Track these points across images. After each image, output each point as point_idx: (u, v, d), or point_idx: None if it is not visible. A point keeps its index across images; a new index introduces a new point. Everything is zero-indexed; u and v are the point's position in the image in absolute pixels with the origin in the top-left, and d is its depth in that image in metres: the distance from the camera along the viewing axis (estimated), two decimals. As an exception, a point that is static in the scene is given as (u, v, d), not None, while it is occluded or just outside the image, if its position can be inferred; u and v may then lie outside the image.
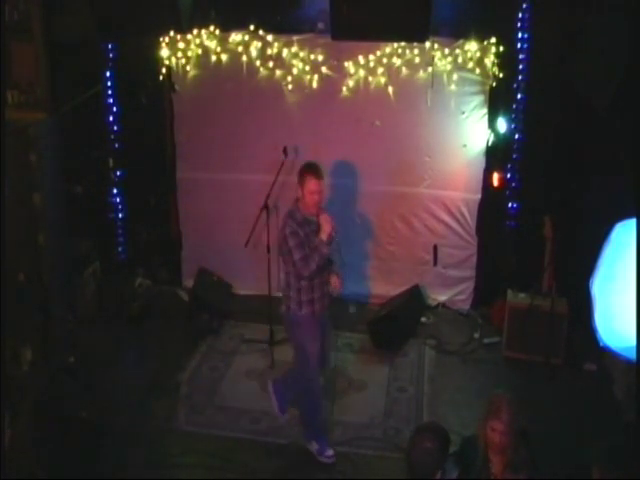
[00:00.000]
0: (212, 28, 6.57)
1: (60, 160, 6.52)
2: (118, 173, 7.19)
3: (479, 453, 3.65)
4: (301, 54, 6.55)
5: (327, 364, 5.38)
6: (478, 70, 6.37)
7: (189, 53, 6.69)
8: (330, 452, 5.12)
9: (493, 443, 3.59)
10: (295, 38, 6.54)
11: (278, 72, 6.63)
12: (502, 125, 6.46)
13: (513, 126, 6.49)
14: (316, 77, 6.59)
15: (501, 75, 6.32)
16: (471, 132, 6.55)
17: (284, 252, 4.88)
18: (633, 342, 3.69)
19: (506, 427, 3.55)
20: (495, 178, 6.58)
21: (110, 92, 6.97)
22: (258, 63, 6.62)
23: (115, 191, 7.24)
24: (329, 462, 5.10)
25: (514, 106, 6.46)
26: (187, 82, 6.83)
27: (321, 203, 4.88)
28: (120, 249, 7.41)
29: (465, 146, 6.60)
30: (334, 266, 5.03)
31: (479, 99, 6.49)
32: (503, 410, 3.57)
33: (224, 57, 6.65)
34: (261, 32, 6.53)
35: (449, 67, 6.36)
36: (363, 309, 7.00)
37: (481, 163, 6.63)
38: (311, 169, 4.87)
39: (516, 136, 6.52)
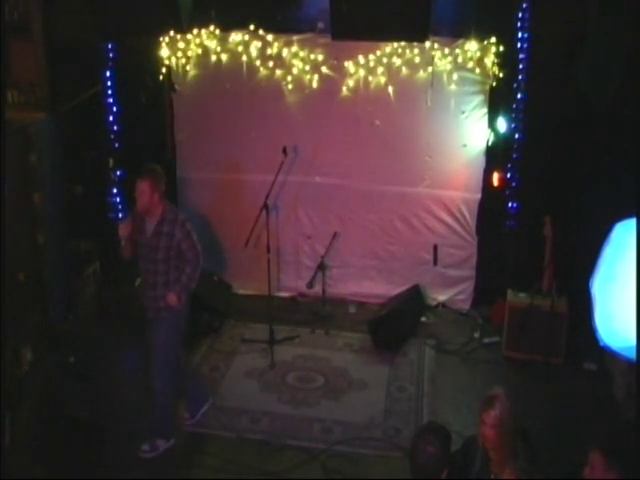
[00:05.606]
0: (212, 28, 6.58)
1: (60, 160, 6.52)
2: (118, 173, 7.19)
3: (479, 451, 3.60)
4: (301, 54, 6.55)
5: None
6: (478, 70, 6.37)
7: (189, 53, 6.71)
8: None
9: (485, 438, 3.53)
10: (295, 38, 6.54)
11: (278, 72, 6.64)
12: (502, 125, 6.46)
13: (513, 126, 6.49)
14: (316, 77, 6.59)
15: (501, 75, 6.32)
16: (471, 132, 6.56)
17: (184, 247, 4.94)
18: (633, 342, 3.69)
19: (495, 420, 3.46)
20: (495, 178, 6.58)
21: (110, 92, 6.97)
22: (258, 63, 6.63)
23: (115, 191, 7.23)
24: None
25: (514, 106, 6.46)
26: (187, 82, 6.84)
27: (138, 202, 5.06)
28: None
29: (465, 146, 6.60)
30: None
31: (479, 99, 6.49)
32: (495, 403, 3.50)
33: (224, 57, 6.67)
34: (261, 32, 6.55)
35: (449, 67, 6.37)
36: (363, 309, 7.00)
37: (481, 163, 6.63)
38: None
39: (516, 136, 6.52)
